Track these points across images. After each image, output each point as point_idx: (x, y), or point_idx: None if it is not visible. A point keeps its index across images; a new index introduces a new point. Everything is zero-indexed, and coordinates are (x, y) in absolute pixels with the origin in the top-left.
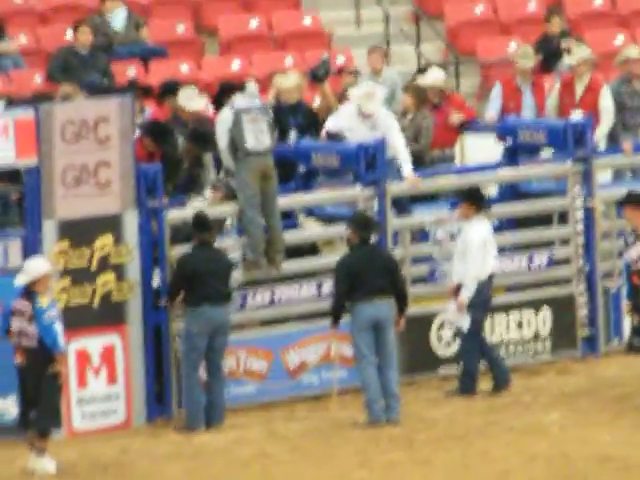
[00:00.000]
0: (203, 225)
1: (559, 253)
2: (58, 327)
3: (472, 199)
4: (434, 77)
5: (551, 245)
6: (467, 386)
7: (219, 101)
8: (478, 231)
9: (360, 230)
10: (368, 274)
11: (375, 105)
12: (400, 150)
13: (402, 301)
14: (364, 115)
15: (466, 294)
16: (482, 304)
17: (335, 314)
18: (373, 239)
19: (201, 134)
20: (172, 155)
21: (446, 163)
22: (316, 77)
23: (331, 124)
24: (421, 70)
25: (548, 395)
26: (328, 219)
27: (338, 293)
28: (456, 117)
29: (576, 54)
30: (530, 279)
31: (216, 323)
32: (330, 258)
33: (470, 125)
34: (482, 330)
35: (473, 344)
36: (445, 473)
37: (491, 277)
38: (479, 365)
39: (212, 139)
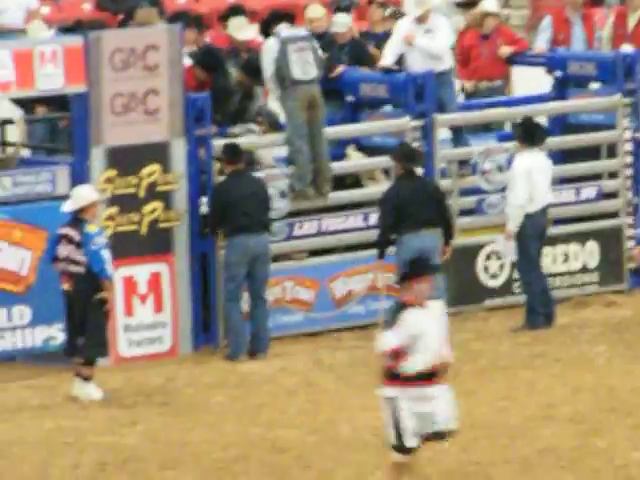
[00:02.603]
0: (234, 153)
1: (607, 186)
2: (106, 254)
3: (521, 132)
4: (490, 4)
5: (599, 178)
6: (532, 320)
7: (267, 30)
8: (522, 161)
9: (405, 161)
10: (414, 205)
11: (425, 8)
12: (437, 45)
13: (449, 231)
14: (419, 20)
15: (510, 224)
16: (536, 236)
17: (381, 246)
18: (419, 170)
19: (254, 66)
20: (223, 85)
21: (495, 94)
22: (340, 8)
23: (387, 57)
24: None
25: (594, 327)
26: (375, 150)
27: (384, 225)
28: (506, 49)
29: None
30: (578, 212)
31: (253, 252)
32: (377, 189)
33: (519, 57)
34: (538, 262)
35: (531, 277)
36: (490, 404)
37: (545, 209)
38: (544, 295)
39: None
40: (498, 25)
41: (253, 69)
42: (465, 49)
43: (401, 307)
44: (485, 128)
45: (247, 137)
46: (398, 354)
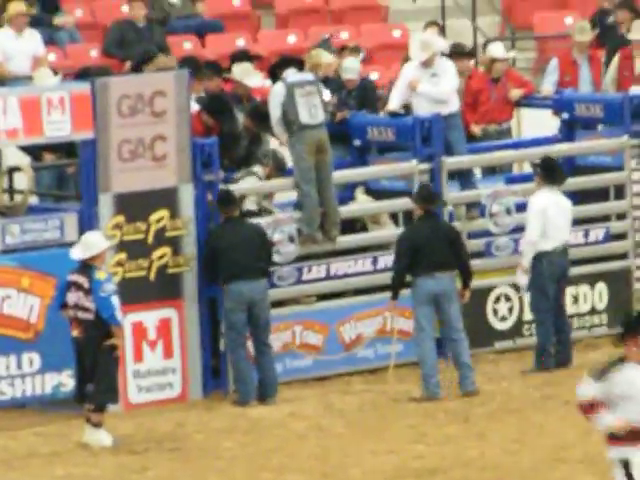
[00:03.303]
0: (228, 200)
1: (615, 227)
2: (115, 300)
3: (542, 170)
4: (497, 49)
5: (607, 219)
6: (542, 361)
7: (275, 74)
8: (539, 199)
9: (424, 202)
10: (430, 247)
11: (430, 52)
12: (441, 90)
13: (466, 273)
14: (424, 64)
15: (523, 260)
16: (554, 276)
17: (395, 287)
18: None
19: (262, 112)
20: (230, 130)
21: (504, 137)
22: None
23: (393, 101)
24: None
25: None
26: (384, 194)
27: (399, 266)
28: (516, 92)
29: (637, 29)
30: (586, 253)
31: (249, 299)
32: (385, 233)
33: (527, 99)
34: (557, 302)
35: (545, 317)
36: (500, 447)
37: (565, 249)
38: (562, 335)
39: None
40: (506, 69)
41: (260, 115)
42: (474, 93)
43: (619, 361)
44: (492, 171)
45: (249, 180)
46: (593, 407)
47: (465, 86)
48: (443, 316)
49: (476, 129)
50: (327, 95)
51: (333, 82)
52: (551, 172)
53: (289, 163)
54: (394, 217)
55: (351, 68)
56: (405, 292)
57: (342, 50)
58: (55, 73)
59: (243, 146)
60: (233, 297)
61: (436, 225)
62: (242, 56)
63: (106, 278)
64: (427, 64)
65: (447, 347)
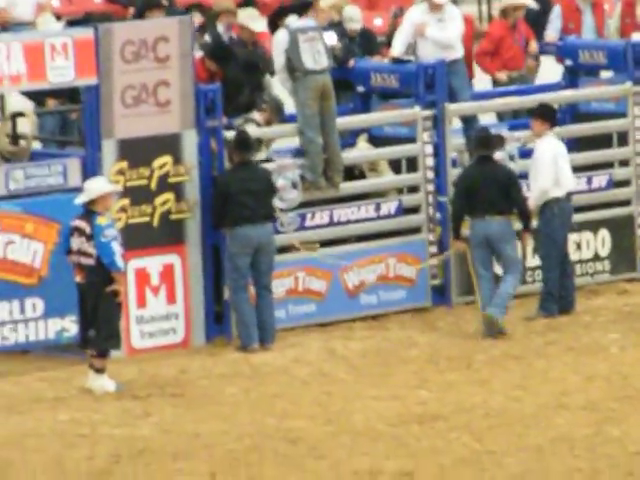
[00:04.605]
0: (245, 144)
1: (619, 174)
2: (116, 246)
3: (544, 116)
4: None
5: (611, 166)
6: (546, 307)
7: (274, 23)
8: (549, 147)
9: (482, 147)
10: (483, 190)
11: None
12: (448, 35)
13: (523, 216)
14: (433, 6)
15: (532, 201)
16: (564, 222)
17: (454, 227)
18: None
19: (253, 64)
20: (233, 76)
21: (526, 83)
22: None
23: (396, 47)
24: None
25: (607, 315)
26: (387, 140)
27: (454, 208)
28: (533, 45)
29: None
30: (589, 200)
31: (256, 243)
32: (389, 179)
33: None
34: (564, 249)
35: (554, 264)
36: (503, 393)
37: (569, 195)
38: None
39: (267, 62)
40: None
41: (253, 67)
42: (495, 40)
43: None
44: (499, 118)
45: (248, 128)
46: None
47: (486, 33)
48: (499, 258)
49: (502, 76)
50: (334, 39)
51: (338, 29)
52: (553, 118)
53: (290, 109)
54: (397, 164)
55: (352, 15)
56: (406, 239)
57: None
58: (58, 19)
59: (245, 93)
60: (240, 241)
61: (491, 169)
62: (247, 1)
63: (107, 224)
64: (435, 8)
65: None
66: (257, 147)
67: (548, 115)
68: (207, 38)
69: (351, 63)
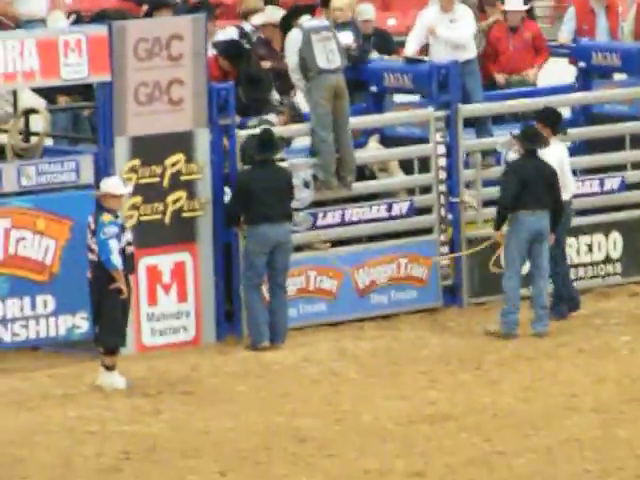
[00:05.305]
0: (268, 143)
1: (631, 176)
2: (113, 244)
3: (547, 121)
4: (514, 3)
5: (623, 169)
6: (558, 310)
7: (288, 23)
8: (554, 153)
9: (528, 141)
10: (534, 184)
11: None
12: (460, 35)
13: (557, 217)
14: (444, 7)
15: None
16: (567, 227)
17: (502, 218)
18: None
19: (256, 79)
20: (251, 72)
21: (526, 86)
22: (324, 1)
23: (409, 47)
24: None
25: (618, 318)
26: (400, 141)
27: (505, 196)
28: (533, 72)
29: None
30: (601, 202)
31: (274, 242)
32: (402, 179)
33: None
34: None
35: (563, 268)
36: (513, 394)
37: (570, 200)
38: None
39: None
40: (525, 19)
41: (255, 81)
42: (493, 42)
43: None
44: (514, 119)
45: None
46: None
47: (486, 36)
48: (535, 254)
49: (500, 78)
50: (350, 38)
51: (353, 28)
52: (555, 123)
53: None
54: (410, 164)
55: (365, 12)
56: (417, 239)
57: None
58: (68, 16)
59: (264, 88)
60: (259, 239)
61: (539, 164)
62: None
63: (110, 221)
64: (446, 9)
65: (531, 284)
66: (280, 146)
67: (551, 120)
68: (220, 36)
69: (372, 55)
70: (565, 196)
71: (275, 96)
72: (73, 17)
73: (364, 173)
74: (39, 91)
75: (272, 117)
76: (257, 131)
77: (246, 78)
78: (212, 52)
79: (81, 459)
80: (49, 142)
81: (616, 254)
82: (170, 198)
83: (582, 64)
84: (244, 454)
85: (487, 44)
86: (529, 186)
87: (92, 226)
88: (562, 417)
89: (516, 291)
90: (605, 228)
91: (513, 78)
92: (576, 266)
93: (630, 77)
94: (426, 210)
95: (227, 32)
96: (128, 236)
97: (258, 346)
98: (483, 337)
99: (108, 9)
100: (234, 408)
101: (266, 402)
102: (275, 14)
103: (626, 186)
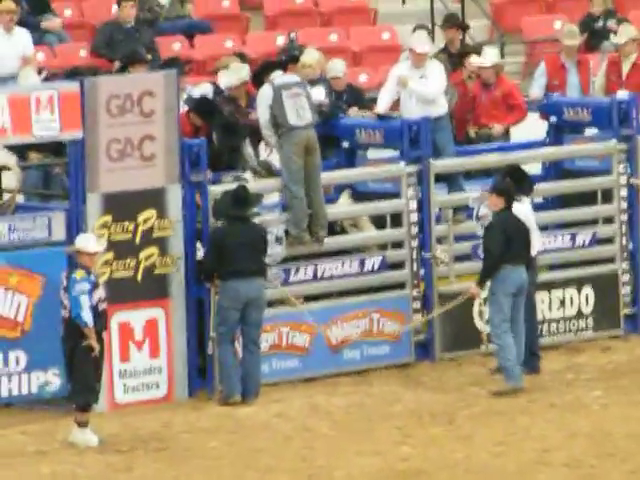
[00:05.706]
0: (243, 200)
1: (603, 231)
2: (84, 300)
3: (502, 193)
4: (493, 57)
5: (595, 223)
6: (531, 363)
7: (259, 78)
8: (521, 210)
9: (510, 197)
10: (516, 239)
11: (425, 46)
12: (429, 90)
13: (530, 272)
14: (415, 63)
15: None
16: (533, 282)
17: (490, 274)
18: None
19: (232, 129)
20: (223, 123)
21: (495, 140)
22: (294, 58)
23: (381, 103)
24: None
25: (590, 373)
26: (372, 196)
27: (494, 255)
28: (498, 129)
29: (623, 33)
30: (574, 257)
31: (246, 297)
32: (374, 234)
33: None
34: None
35: (530, 322)
36: (486, 449)
37: (535, 257)
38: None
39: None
40: (499, 74)
41: (232, 132)
42: (468, 96)
43: None
44: (485, 174)
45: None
46: None
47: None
48: (515, 308)
49: (471, 131)
50: (322, 94)
51: (324, 84)
52: (523, 182)
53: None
54: (382, 219)
55: (336, 68)
56: (389, 294)
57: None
58: (39, 72)
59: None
60: (230, 295)
61: (516, 220)
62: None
63: (82, 278)
64: (417, 65)
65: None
66: (255, 203)
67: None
68: (190, 93)
69: (350, 112)
70: (532, 252)
71: (248, 149)
72: (45, 73)
73: (334, 229)
74: (11, 148)
75: (248, 175)
76: (232, 187)
77: (222, 126)
78: (184, 108)
79: None
80: (21, 199)
81: (588, 309)
82: (142, 254)
83: (553, 119)
84: None
85: (464, 97)
86: (512, 241)
87: (64, 282)
88: (535, 472)
89: (513, 346)
90: (577, 283)
91: (482, 131)
92: (548, 322)
93: (601, 132)
94: (398, 265)
95: (202, 88)
96: (101, 293)
97: (229, 400)
98: (456, 392)
99: (80, 65)
100: (207, 464)
101: (239, 458)
102: (241, 72)
103: (597, 241)
